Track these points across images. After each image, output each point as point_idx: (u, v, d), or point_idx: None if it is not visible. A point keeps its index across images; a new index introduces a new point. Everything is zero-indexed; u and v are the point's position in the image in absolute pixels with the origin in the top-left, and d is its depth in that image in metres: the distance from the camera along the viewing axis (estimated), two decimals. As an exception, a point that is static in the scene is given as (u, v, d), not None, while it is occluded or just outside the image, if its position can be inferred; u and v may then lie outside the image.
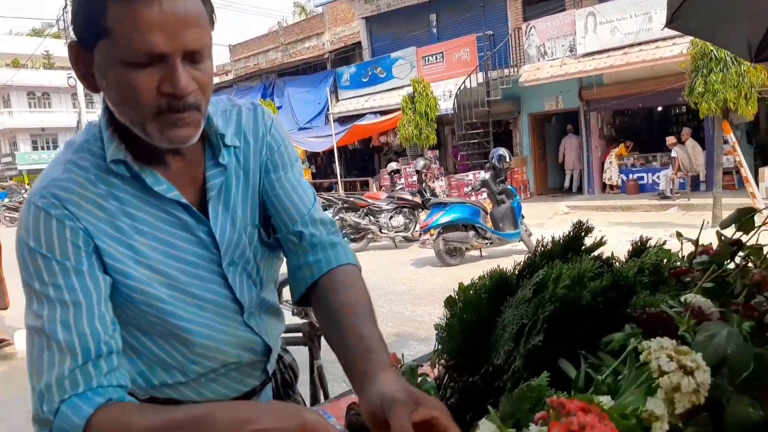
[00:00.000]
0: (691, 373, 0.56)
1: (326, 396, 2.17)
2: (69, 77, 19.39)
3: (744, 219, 0.96)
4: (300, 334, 2.12)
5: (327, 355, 1.28)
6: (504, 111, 14.82)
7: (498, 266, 1.09)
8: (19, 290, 0.85)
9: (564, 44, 12.96)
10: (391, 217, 9.67)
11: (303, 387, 1.25)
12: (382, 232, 9.59)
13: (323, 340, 0.94)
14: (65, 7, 17.90)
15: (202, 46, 0.80)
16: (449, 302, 1.00)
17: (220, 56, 24.50)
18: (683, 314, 0.75)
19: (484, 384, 0.84)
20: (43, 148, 36.85)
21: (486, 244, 7.85)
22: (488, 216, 7.97)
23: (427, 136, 13.82)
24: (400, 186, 12.87)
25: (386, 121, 15.91)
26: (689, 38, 8.84)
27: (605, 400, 0.57)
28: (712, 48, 8.24)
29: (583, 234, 1.13)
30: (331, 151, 16.16)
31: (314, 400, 2.14)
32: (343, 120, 17.29)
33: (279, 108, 18.33)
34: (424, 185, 9.75)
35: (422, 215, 9.12)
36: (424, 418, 0.66)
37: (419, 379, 0.89)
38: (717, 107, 8.43)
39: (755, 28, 2.11)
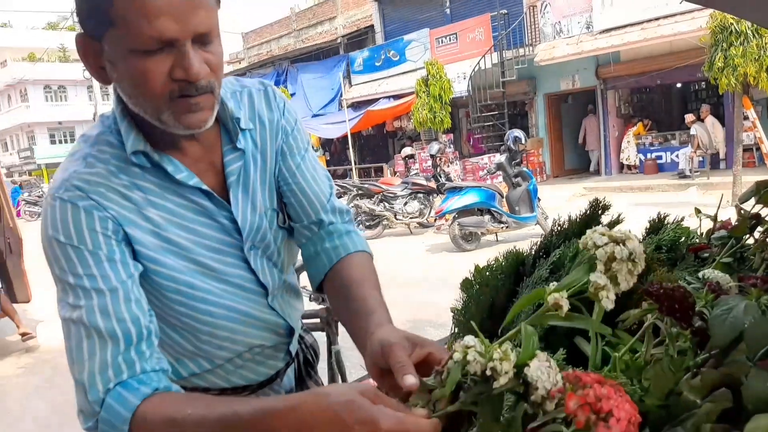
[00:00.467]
0: (622, 242, 0.61)
1: (344, 381, 2.19)
2: (84, 70, 19.47)
3: (763, 192, 0.94)
4: (317, 320, 2.13)
5: (345, 341, 1.29)
6: (519, 92, 14.64)
7: (515, 247, 1.09)
8: (41, 285, 0.86)
9: (580, 21, 12.74)
10: (405, 203, 9.66)
11: (321, 373, 1.26)
12: (397, 219, 9.59)
13: (341, 326, 0.95)
14: (78, -1, 17.99)
15: (210, 28, 0.80)
16: (465, 285, 1.01)
17: (233, 44, 24.48)
18: (701, 290, 0.75)
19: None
20: (60, 142, 37.33)
21: (502, 228, 7.79)
22: (504, 200, 7.90)
23: (442, 120, 13.65)
24: (415, 171, 12.80)
25: (400, 106, 15.82)
26: (709, 11, 8.64)
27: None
28: (732, 20, 8.05)
29: (600, 212, 1.12)
30: (345, 138, 16.15)
31: (332, 386, 2.15)
32: (356, 105, 17.25)
33: (292, 95, 18.34)
34: (438, 170, 9.69)
35: (437, 200, 9.09)
36: (421, 357, 0.70)
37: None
38: (737, 82, 8.26)
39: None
